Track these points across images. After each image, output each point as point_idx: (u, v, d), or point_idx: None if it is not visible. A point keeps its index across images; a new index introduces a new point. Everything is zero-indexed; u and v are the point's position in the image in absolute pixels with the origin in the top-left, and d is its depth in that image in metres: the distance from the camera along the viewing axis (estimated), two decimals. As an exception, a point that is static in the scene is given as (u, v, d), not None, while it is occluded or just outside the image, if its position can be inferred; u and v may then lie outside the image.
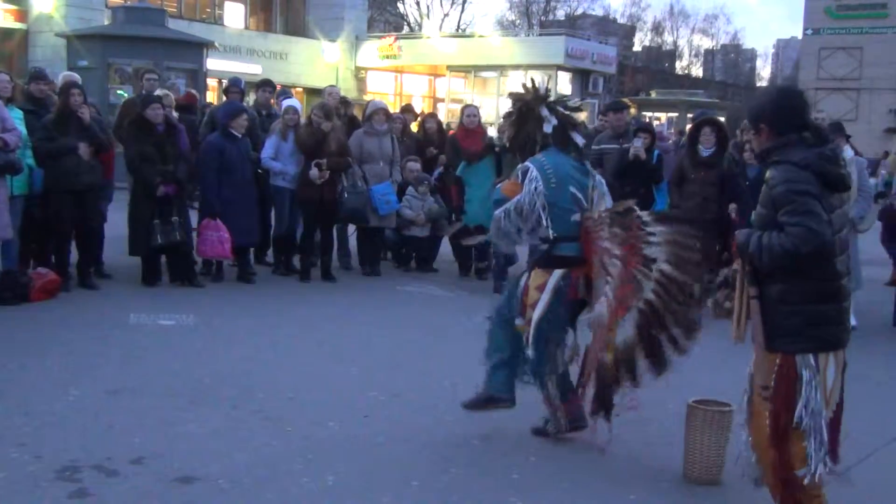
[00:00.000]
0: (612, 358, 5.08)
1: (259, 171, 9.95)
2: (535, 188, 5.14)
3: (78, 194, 8.78)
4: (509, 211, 5.24)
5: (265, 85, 11.76)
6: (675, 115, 35.49)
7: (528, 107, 5.44)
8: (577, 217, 5.21)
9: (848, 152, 9.12)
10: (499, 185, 5.51)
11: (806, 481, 3.94)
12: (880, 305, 9.51)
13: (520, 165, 5.32)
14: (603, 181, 5.53)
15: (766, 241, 3.83)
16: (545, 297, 5.19)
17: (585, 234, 5.18)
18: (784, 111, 3.98)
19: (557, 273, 5.18)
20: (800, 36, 76.43)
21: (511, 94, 5.76)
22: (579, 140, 5.48)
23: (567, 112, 5.50)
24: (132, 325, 7.83)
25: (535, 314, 5.17)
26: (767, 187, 3.91)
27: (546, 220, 5.15)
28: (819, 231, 3.73)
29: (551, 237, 5.17)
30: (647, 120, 35.14)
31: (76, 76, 10.41)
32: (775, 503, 4.12)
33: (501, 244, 5.70)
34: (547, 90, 5.51)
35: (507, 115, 5.64)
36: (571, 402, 5.37)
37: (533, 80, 5.57)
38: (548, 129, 5.35)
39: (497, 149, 8.19)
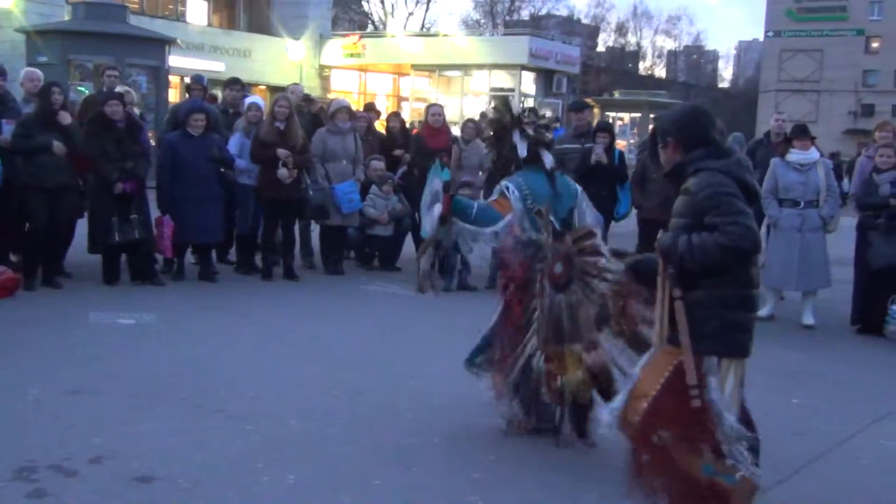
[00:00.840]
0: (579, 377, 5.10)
1: (223, 169, 9.87)
2: (521, 207, 5.28)
3: (51, 193, 8.69)
4: (503, 230, 5.28)
5: (233, 83, 11.68)
6: (639, 115, 35.69)
7: (503, 131, 5.54)
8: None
9: (813, 154, 9.23)
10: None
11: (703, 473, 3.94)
12: (839, 305, 9.63)
13: (501, 183, 5.43)
14: (584, 196, 5.60)
15: (698, 241, 3.88)
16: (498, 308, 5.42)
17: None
18: (691, 127, 4.13)
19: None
20: (761, 38, 77.29)
21: (487, 119, 5.87)
22: (548, 161, 5.51)
23: (539, 131, 5.55)
24: (92, 324, 7.75)
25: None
26: (689, 196, 4.00)
27: None
28: (753, 227, 3.84)
29: None
30: (611, 120, 35.39)
31: (38, 72, 10.28)
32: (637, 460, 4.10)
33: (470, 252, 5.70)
34: (521, 111, 5.61)
35: (487, 139, 5.79)
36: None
37: (507, 101, 5.67)
38: (522, 152, 5.45)
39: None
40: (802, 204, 9.03)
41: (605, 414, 4.28)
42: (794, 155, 9.21)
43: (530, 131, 5.50)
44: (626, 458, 4.18)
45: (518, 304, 5.28)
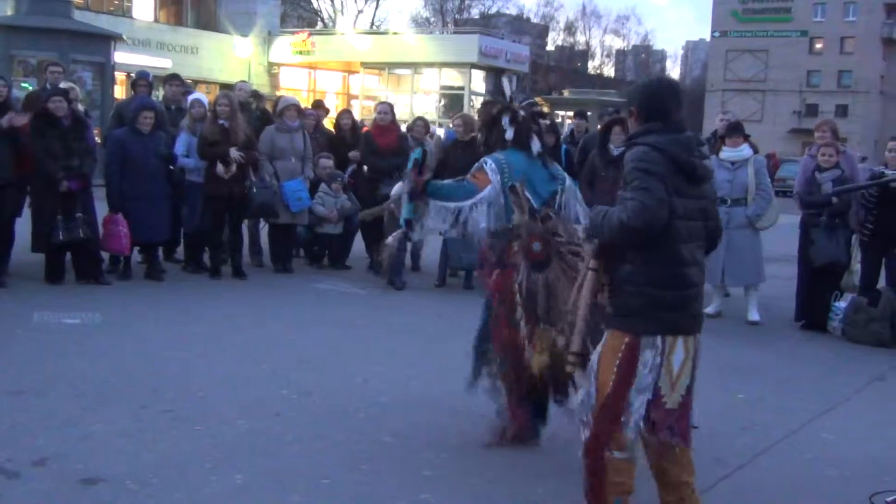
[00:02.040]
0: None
1: (171, 167, 9.76)
2: (499, 179, 5.20)
3: None
4: (480, 201, 5.19)
5: (173, 79, 11.56)
6: (588, 114, 35.90)
7: (495, 115, 5.51)
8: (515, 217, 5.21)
9: (746, 151, 9.34)
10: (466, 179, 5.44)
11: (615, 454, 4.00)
12: (783, 301, 9.78)
13: (481, 160, 5.36)
14: (574, 187, 5.54)
15: (608, 214, 3.93)
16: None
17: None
18: (652, 99, 4.10)
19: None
20: (708, 38, 78.19)
21: (482, 106, 5.86)
22: (535, 147, 5.45)
23: (530, 117, 5.50)
24: (36, 324, 7.63)
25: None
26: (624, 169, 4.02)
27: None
28: (650, 206, 3.78)
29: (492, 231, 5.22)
30: (559, 119, 35.59)
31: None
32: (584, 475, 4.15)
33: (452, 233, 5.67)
34: (512, 95, 5.57)
35: (479, 125, 5.77)
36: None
37: (502, 83, 5.65)
38: (509, 135, 5.40)
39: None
40: (729, 202, 9.13)
41: (575, 402, 4.29)
42: (725, 152, 9.32)
43: (520, 116, 5.46)
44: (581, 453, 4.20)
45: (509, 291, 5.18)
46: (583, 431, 4.15)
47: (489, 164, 5.26)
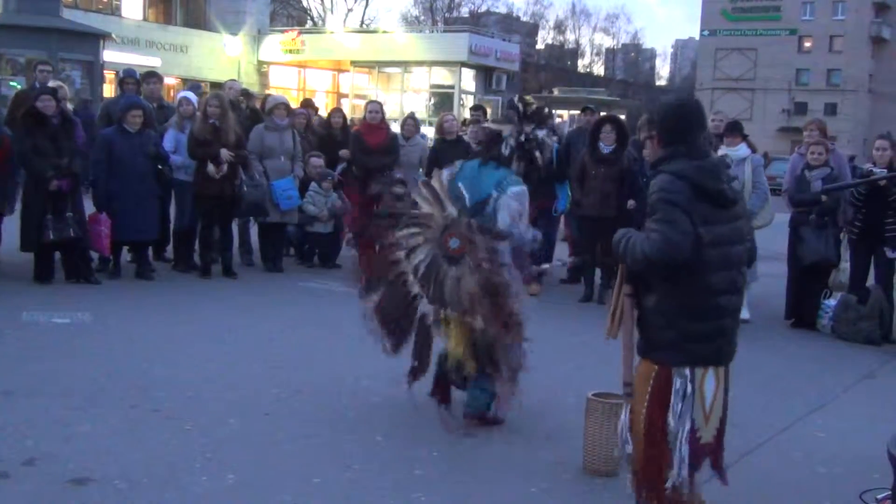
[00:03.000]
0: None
1: (160, 166, 9.71)
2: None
3: None
4: None
5: (150, 76, 11.50)
6: (577, 112, 35.94)
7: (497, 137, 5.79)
8: None
9: (743, 150, 9.36)
10: None
11: (668, 484, 3.94)
12: (773, 299, 9.80)
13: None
14: (509, 199, 5.55)
15: (632, 242, 3.86)
16: None
17: None
18: (673, 122, 3.99)
19: None
20: (697, 36, 78.33)
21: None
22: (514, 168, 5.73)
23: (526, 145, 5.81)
24: (25, 324, 7.59)
25: None
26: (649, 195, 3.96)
27: None
28: (675, 241, 3.70)
29: None
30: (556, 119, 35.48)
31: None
32: (638, 499, 4.12)
33: None
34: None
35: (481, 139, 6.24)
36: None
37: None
38: (505, 152, 5.71)
39: None
40: None
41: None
42: (723, 151, 9.34)
43: (513, 141, 5.70)
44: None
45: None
46: (624, 456, 4.17)
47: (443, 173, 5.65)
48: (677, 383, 3.88)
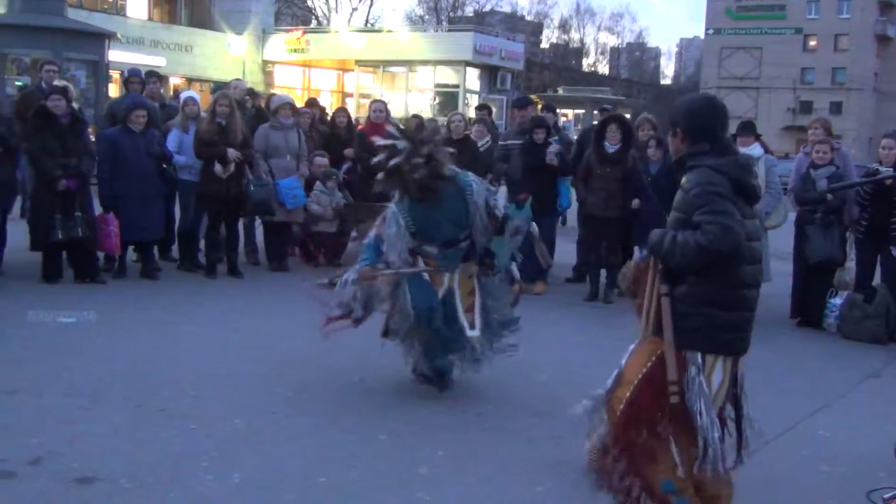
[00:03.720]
0: None
1: (164, 166, 9.72)
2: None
3: None
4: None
5: (150, 76, 11.50)
6: (582, 111, 35.96)
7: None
8: None
9: (757, 150, 9.35)
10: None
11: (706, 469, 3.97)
12: (778, 298, 9.78)
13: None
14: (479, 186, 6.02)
15: (682, 238, 3.85)
16: None
17: None
18: (699, 118, 4.02)
19: None
20: (702, 35, 78.26)
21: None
22: None
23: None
24: (30, 323, 7.60)
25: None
26: (683, 191, 3.94)
27: None
28: (733, 228, 3.75)
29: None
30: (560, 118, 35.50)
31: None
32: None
33: None
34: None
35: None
36: None
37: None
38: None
39: None
40: None
41: (587, 400, 4.26)
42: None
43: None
44: (589, 453, 4.19)
45: None
46: (590, 415, 4.17)
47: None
48: (692, 371, 3.91)
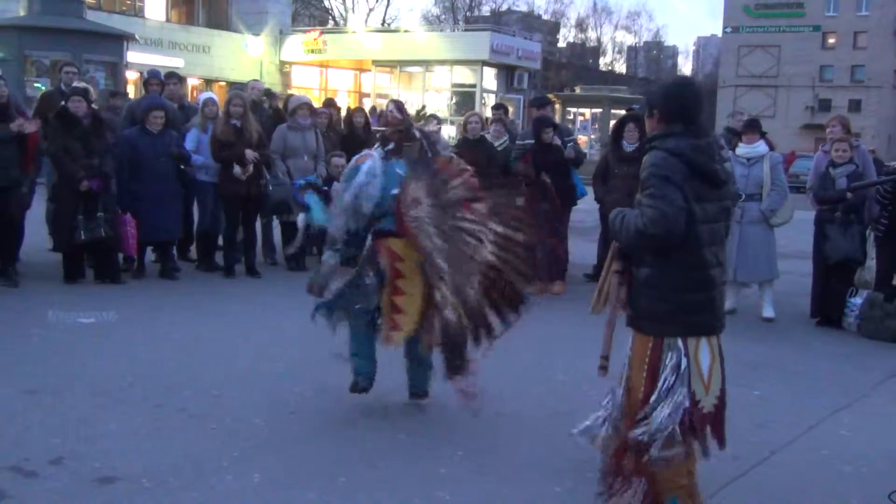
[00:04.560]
0: (458, 315, 5.25)
1: (182, 167, 9.76)
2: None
3: (1, 190, 8.59)
4: (369, 173, 5.72)
5: (170, 77, 11.54)
6: (599, 110, 35.85)
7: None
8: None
9: (760, 148, 9.30)
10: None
11: (637, 433, 3.98)
12: (798, 298, 9.74)
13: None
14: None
15: (626, 218, 3.95)
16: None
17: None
18: (675, 101, 4.06)
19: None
20: (720, 33, 77.92)
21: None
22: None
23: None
24: (51, 323, 7.64)
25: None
26: (641, 172, 4.01)
27: None
28: (669, 214, 3.79)
29: None
30: (571, 115, 35.54)
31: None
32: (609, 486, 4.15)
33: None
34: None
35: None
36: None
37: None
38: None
39: None
40: (743, 197, 9.12)
41: (599, 414, 4.29)
42: (742, 149, 9.33)
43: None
44: (603, 453, 4.20)
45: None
46: (608, 427, 4.15)
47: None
48: (670, 357, 3.96)
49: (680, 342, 3.96)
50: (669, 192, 3.82)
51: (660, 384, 3.95)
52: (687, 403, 3.93)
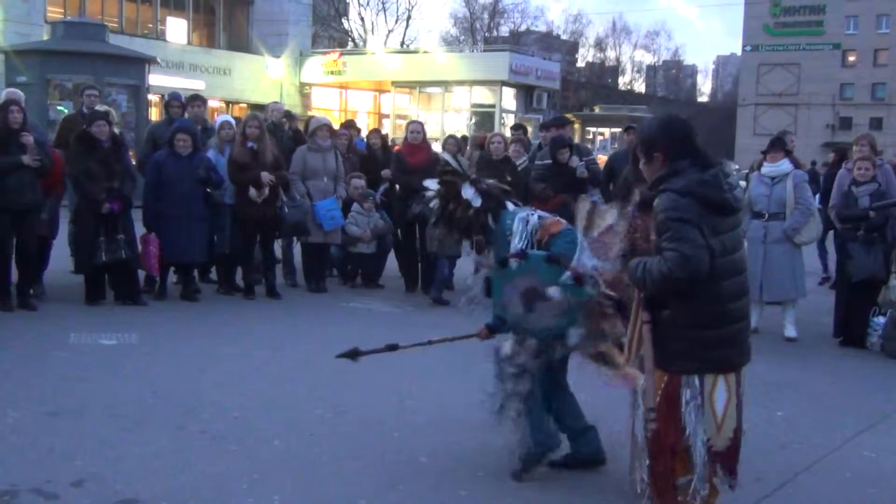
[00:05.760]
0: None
1: (208, 189, 9.78)
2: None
3: (18, 214, 8.65)
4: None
5: (194, 99, 11.61)
6: (619, 129, 35.82)
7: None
8: None
9: (784, 166, 9.26)
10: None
11: (690, 490, 3.97)
12: (820, 317, 9.68)
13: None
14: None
15: (648, 266, 3.92)
16: None
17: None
18: (677, 138, 4.06)
19: None
20: (739, 52, 77.83)
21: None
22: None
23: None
24: (72, 345, 7.68)
25: None
26: (655, 216, 3.99)
27: None
28: (692, 256, 3.78)
29: None
30: (591, 135, 35.54)
31: (19, 93, 10.14)
32: None
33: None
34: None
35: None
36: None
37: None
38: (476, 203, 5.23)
39: None
40: (767, 216, 9.08)
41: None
42: (766, 167, 9.29)
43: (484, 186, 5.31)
44: (637, 472, 4.20)
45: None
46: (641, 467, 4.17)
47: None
48: (686, 394, 3.95)
49: (696, 380, 3.95)
50: (688, 233, 3.81)
51: (685, 426, 3.95)
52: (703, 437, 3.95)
